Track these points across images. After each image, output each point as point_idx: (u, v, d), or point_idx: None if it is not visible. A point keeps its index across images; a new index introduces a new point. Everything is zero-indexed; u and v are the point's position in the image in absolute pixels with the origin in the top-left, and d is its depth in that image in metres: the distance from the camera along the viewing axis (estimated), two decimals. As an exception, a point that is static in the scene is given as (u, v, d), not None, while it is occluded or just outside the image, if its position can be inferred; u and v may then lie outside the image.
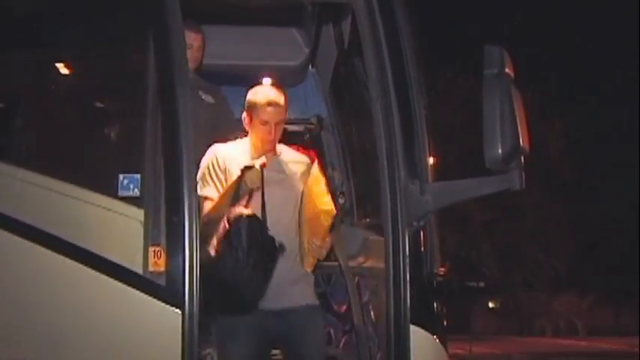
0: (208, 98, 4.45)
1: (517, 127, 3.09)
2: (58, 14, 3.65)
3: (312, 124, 5.27)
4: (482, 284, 23.95)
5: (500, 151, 3.07)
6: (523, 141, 3.12)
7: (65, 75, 3.81)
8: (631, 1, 20.06)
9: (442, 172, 3.66)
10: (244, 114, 3.78)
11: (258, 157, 3.70)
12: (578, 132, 21.76)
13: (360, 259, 4.26)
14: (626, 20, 21.09)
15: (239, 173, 3.58)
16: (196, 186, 3.43)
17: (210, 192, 3.66)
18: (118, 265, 3.22)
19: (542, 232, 21.44)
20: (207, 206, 3.60)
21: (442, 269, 3.58)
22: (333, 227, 3.70)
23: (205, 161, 3.73)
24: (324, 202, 3.66)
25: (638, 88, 21.74)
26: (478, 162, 3.22)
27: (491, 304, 33.79)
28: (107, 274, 3.22)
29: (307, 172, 3.80)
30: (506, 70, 3.16)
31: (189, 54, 3.86)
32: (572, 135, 21.36)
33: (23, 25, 3.64)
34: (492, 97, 3.10)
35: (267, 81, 4.63)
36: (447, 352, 3.54)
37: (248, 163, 3.63)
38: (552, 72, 22.19)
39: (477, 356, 20.97)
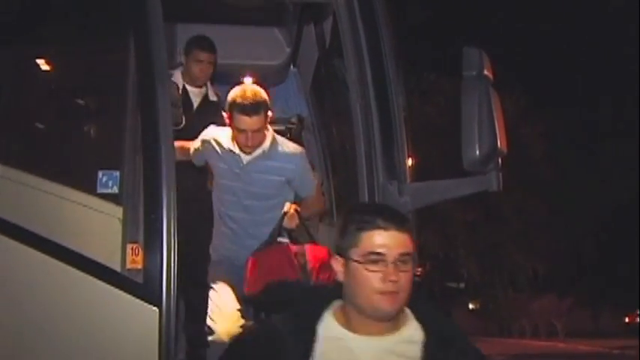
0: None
1: (495, 128, 3.09)
2: (38, 11, 3.63)
3: (293, 123, 5.27)
4: (462, 285, 24.03)
5: (477, 152, 3.06)
6: (501, 143, 3.11)
7: (44, 72, 3.79)
8: (619, 4, 20.17)
9: (428, 172, 3.65)
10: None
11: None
12: (559, 134, 21.83)
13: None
14: (614, 23, 21.19)
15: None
16: (175, 184, 3.44)
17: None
18: (96, 262, 3.20)
19: (522, 233, 21.52)
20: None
21: (419, 269, 3.59)
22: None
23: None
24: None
25: (615, 91, 21.92)
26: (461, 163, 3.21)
27: (471, 305, 33.90)
28: (85, 271, 3.19)
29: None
30: (485, 72, 3.16)
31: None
32: (553, 137, 21.42)
33: (2, 22, 3.62)
34: (471, 99, 3.10)
35: (248, 80, 4.65)
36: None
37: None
38: (535, 73, 22.25)
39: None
